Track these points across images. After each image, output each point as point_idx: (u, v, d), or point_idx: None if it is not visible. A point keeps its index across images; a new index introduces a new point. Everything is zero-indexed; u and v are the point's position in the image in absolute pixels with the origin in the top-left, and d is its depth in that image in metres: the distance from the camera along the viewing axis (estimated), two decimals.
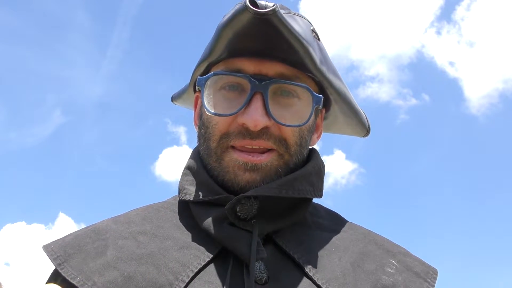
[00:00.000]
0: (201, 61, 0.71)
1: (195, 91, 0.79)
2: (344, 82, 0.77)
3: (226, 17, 0.64)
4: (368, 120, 0.85)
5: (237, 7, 0.62)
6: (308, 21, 0.72)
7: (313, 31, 0.72)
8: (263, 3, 0.62)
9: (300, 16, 0.71)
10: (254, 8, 0.60)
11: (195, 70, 0.75)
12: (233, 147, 0.66)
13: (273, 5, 0.60)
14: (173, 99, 0.91)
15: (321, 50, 0.72)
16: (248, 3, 0.60)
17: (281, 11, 0.63)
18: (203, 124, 0.70)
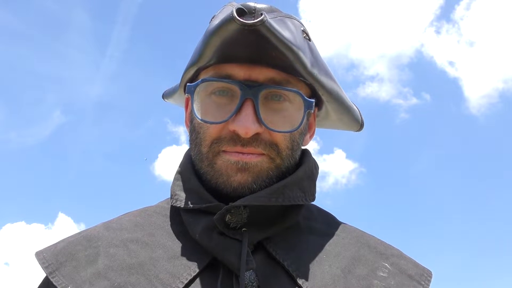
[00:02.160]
0: (190, 65, 0.70)
1: (185, 92, 0.78)
2: (336, 80, 0.76)
3: (214, 24, 0.63)
4: (362, 115, 0.85)
5: (224, 16, 0.60)
6: (298, 21, 0.71)
7: (304, 31, 0.70)
8: (251, 4, 0.61)
9: (290, 17, 0.69)
10: (242, 20, 0.58)
11: (184, 73, 0.74)
12: (224, 151, 0.66)
13: (261, 16, 0.59)
14: (164, 96, 0.91)
15: (312, 51, 0.70)
16: (235, 14, 0.58)
17: (270, 15, 0.62)
18: (194, 129, 0.70)
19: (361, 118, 0.84)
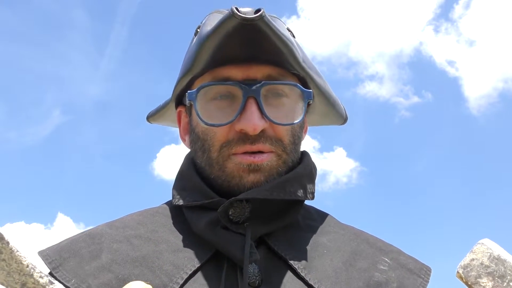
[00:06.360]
0: (183, 75, 0.71)
1: (176, 107, 0.78)
2: (321, 75, 0.78)
3: (208, 28, 0.64)
4: (345, 109, 0.85)
5: (222, 15, 0.62)
6: (281, 21, 0.73)
7: (288, 29, 0.73)
8: (242, 9, 0.62)
9: (275, 16, 0.72)
10: (242, 15, 0.60)
11: (176, 85, 0.74)
12: (234, 155, 0.67)
13: (260, 11, 0.61)
14: (149, 117, 0.89)
15: (299, 46, 0.73)
16: (235, 10, 0.60)
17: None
18: (198, 138, 0.70)
19: (345, 111, 0.85)
